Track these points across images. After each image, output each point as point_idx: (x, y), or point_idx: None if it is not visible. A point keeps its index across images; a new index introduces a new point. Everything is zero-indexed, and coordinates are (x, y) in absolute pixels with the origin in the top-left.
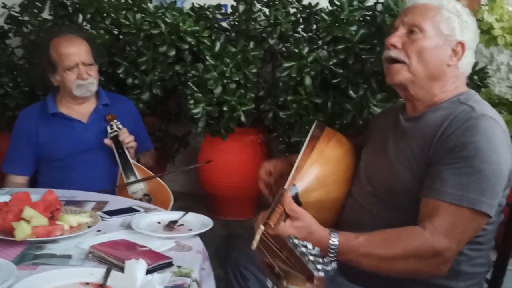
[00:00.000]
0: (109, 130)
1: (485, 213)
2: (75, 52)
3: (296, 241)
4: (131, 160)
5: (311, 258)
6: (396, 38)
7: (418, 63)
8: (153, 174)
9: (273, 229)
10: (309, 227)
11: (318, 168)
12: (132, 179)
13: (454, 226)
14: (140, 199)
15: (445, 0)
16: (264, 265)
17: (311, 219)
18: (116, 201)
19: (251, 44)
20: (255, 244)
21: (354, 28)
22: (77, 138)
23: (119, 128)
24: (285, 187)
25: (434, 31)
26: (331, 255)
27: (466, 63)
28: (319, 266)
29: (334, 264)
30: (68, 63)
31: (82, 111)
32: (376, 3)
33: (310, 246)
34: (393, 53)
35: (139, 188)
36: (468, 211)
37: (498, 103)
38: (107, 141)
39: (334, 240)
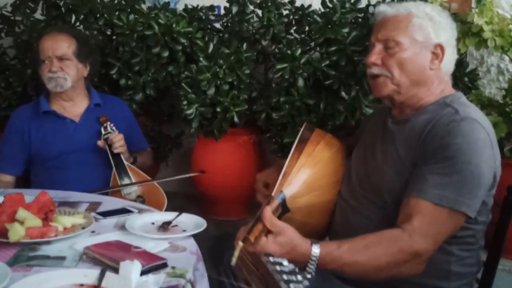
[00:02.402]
0: (103, 131)
1: (464, 213)
2: (50, 45)
3: (271, 259)
4: (125, 162)
5: (285, 277)
6: (375, 56)
7: (400, 75)
8: (147, 176)
9: (253, 244)
10: (291, 242)
11: (306, 173)
12: (126, 180)
13: (431, 225)
14: (134, 201)
15: (413, 6)
16: (242, 279)
17: (293, 233)
18: (109, 202)
19: (244, 46)
20: (234, 260)
21: (346, 30)
22: (69, 137)
23: (112, 130)
24: (272, 194)
25: (409, 41)
26: (312, 266)
27: (448, 60)
28: (291, 285)
29: (306, 283)
30: (42, 55)
31: (74, 111)
32: (368, 5)
33: (285, 263)
34: (375, 70)
35: (133, 189)
36: (446, 210)
37: (488, 104)
38: (100, 143)
39: (316, 251)
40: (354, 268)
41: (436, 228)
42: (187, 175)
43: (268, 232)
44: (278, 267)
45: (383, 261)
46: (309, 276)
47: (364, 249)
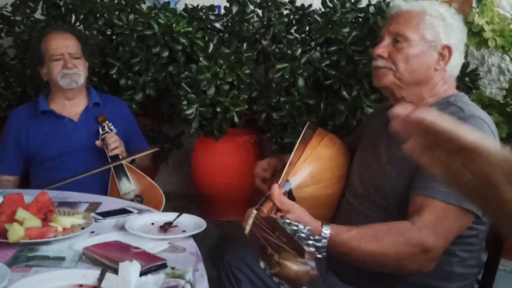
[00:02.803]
0: (100, 131)
1: (471, 211)
2: (62, 43)
3: (287, 220)
4: (123, 162)
5: (302, 235)
6: (382, 49)
7: (404, 70)
8: (146, 176)
9: (265, 214)
10: (301, 219)
11: (311, 164)
12: (124, 180)
13: (441, 223)
14: (132, 200)
15: (427, 4)
16: (257, 249)
17: (302, 211)
18: (109, 202)
19: (244, 45)
20: (248, 228)
21: (346, 29)
22: (68, 137)
23: (110, 130)
24: (279, 183)
25: (418, 39)
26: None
27: (454, 64)
28: (310, 242)
29: (324, 241)
30: (54, 52)
31: (73, 110)
32: (368, 5)
33: (301, 226)
34: (380, 63)
35: (131, 189)
36: (454, 208)
37: (489, 104)
38: (98, 142)
39: (326, 232)
40: (361, 254)
41: (446, 226)
42: (143, 153)
43: (277, 211)
44: (294, 227)
45: (391, 251)
46: (320, 256)
47: (373, 237)
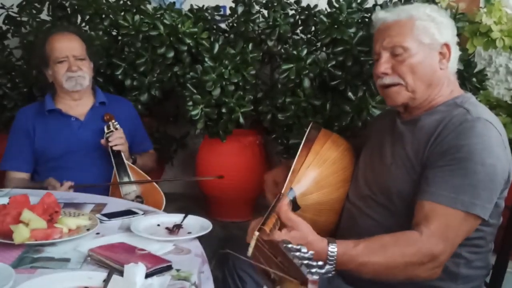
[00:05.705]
0: (105, 130)
1: (478, 216)
2: (66, 45)
3: (289, 245)
4: (125, 161)
5: (305, 262)
6: (385, 65)
7: (414, 80)
8: (147, 176)
9: (268, 235)
10: (306, 238)
11: (314, 170)
12: (126, 180)
13: (448, 229)
14: (132, 201)
15: (413, 9)
16: (260, 271)
17: (308, 228)
18: (115, 203)
19: (250, 46)
20: (250, 250)
21: (352, 30)
22: (74, 136)
23: (115, 128)
24: (282, 191)
25: (416, 45)
26: (330, 265)
27: (452, 59)
28: (313, 270)
29: (328, 266)
30: (58, 55)
31: (79, 109)
32: (374, 5)
33: (304, 249)
34: (387, 80)
35: (132, 189)
36: (461, 213)
37: (497, 105)
38: (103, 141)
39: (333, 250)
40: (370, 268)
41: (453, 232)
42: (204, 178)
43: (281, 225)
44: (297, 253)
45: (401, 262)
46: (330, 275)
47: (381, 249)
